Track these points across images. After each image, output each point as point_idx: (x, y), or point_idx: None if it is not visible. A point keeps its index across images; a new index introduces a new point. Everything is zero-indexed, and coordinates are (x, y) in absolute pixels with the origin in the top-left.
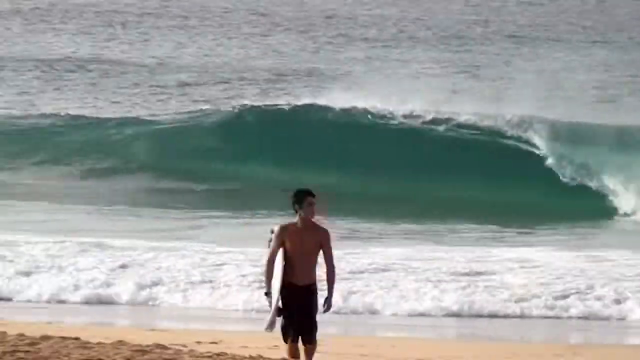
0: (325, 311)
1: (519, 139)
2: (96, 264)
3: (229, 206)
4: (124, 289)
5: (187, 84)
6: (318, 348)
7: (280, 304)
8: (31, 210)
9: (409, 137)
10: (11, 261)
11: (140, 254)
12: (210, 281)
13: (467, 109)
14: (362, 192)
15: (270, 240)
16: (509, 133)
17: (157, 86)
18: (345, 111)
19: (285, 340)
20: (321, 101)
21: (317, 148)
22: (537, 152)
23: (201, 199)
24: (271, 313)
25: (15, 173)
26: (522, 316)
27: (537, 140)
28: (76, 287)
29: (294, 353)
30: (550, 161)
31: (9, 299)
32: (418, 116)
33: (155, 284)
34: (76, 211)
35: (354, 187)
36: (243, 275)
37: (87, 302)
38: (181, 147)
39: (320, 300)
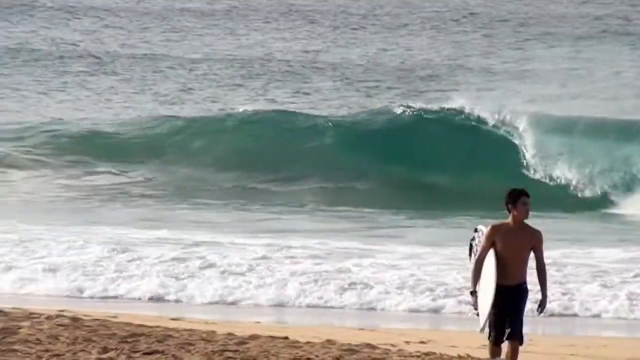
0: (539, 313)
1: None
2: (307, 268)
3: (425, 206)
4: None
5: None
6: (527, 347)
7: (490, 305)
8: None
9: None
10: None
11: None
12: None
13: None
14: None
15: (472, 239)
16: None
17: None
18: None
19: (491, 339)
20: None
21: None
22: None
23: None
24: (483, 314)
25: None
26: None
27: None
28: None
29: (495, 353)
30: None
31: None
32: None
33: (367, 286)
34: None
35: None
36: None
37: (309, 305)
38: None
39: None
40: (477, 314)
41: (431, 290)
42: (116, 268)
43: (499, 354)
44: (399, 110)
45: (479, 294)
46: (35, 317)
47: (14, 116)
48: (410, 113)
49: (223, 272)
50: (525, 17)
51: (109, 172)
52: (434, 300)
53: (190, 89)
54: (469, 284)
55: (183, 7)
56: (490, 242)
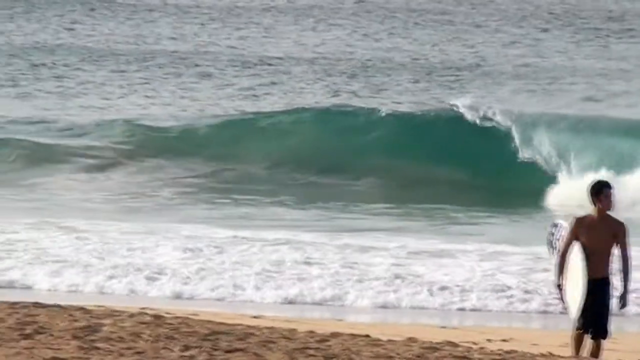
0: (621, 308)
1: None
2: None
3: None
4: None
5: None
6: (612, 345)
7: (582, 299)
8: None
9: None
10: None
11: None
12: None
13: None
14: None
15: (551, 234)
16: None
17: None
18: None
19: (578, 326)
20: None
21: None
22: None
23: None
24: (573, 306)
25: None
26: None
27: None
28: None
29: (579, 340)
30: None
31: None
32: None
33: (443, 287)
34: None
35: None
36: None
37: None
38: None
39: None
40: (565, 308)
41: (512, 288)
42: (226, 268)
43: (581, 342)
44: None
45: (567, 287)
46: (117, 315)
47: (98, 113)
48: (469, 112)
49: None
50: None
51: (189, 169)
52: (516, 298)
53: (272, 83)
54: (554, 280)
55: (264, 5)
56: (574, 235)
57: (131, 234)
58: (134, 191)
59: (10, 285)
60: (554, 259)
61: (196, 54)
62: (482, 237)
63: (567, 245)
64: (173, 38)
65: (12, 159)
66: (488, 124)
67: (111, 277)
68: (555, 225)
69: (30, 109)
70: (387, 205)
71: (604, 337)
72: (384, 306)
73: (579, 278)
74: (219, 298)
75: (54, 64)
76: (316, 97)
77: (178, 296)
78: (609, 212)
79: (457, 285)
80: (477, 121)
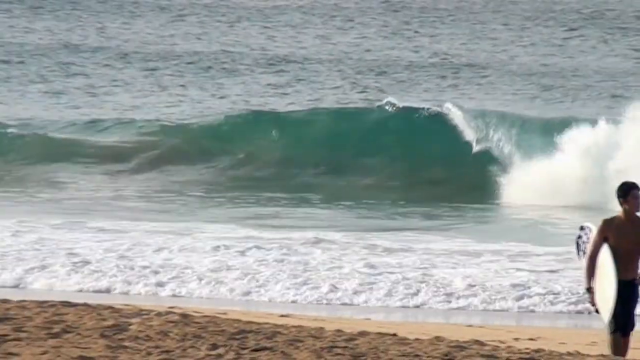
0: None
1: None
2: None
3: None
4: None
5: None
6: (636, 344)
7: (614, 301)
8: None
9: None
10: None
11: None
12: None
13: None
14: None
15: (579, 237)
16: None
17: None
18: None
19: (614, 330)
20: None
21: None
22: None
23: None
24: (605, 309)
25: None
26: None
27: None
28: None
29: (618, 345)
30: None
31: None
32: None
33: (470, 286)
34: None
35: None
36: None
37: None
38: None
39: None
40: (597, 310)
41: (540, 287)
42: (290, 273)
43: (626, 346)
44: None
45: (597, 290)
46: (145, 314)
47: (131, 112)
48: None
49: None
50: None
51: (214, 168)
52: (543, 297)
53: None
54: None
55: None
56: (602, 237)
57: (160, 233)
58: (163, 189)
59: (47, 288)
60: (583, 262)
61: (222, 53)
62: (506, 237)
63: (596, 248)
64: (199, 37)
65: (41, 156)
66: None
67: (140, 277)
68: (583, 229)
69: (61, 107)
70: (408, 205)
71: (628, 337)
72: (411, 305)
73: (609, 280)
74: (246, 297)
75: (82, 63)
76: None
77: (207, 296)
78: (637, 214)
79: (484, 285)
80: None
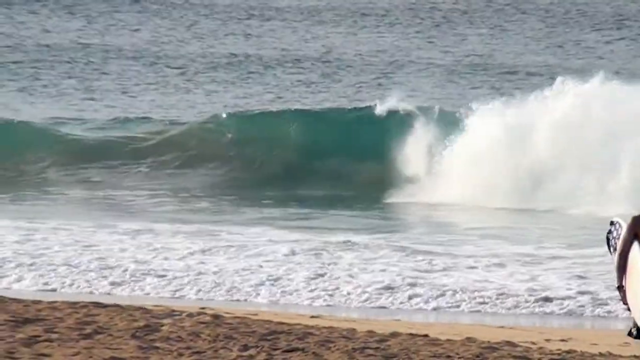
0: None
1: None
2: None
3: None
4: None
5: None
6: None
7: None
8: None
9: None
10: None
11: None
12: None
13: None
14: None
15: (609, 232)
16: None
17: None
18: None
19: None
20: None
21: None
22: None
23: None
24: (635, 310)
25: None
26: None
27: None
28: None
29: None
30: None
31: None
32: None
33: (501, 287)
34: None
35: None
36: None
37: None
38: None
39: None
40: (628, 309)
41: (570, 288)
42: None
43: None
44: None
45: (629, 288)
46: (177, 315)
47: (165, 112)
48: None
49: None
50: None
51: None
52: (573, 298)
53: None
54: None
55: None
56: (633, 234)
57: (189, 235)
58: (193, 191)
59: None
60: (614, 259)
61: (246, 54)
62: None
63: (626, 246)
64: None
65: (72, 158)
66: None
67: (171, 279)
68: (613, 224)
69: (97, 107)
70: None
71: None
72: (441, 307)
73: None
74: (275, 298)
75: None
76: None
77: (238, 298)
78: None
79: (513, 286)
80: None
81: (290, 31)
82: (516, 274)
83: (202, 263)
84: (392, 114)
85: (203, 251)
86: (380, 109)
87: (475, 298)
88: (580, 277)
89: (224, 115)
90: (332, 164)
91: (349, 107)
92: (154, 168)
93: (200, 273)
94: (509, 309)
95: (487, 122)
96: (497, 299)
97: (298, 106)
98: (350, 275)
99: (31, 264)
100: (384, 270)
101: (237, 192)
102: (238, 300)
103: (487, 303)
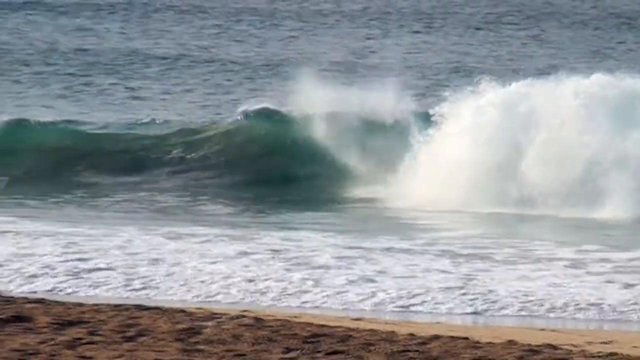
0: None
1: None
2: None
3: None
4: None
5: None
6: None
7: None
8: None
9: None
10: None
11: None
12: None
13: None
14: None
15: None
16: None
17: None
18: None
19: None
20: None
21: None
22: None
23: None
24: None
25: None
26: None
27: None
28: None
29: None
30: None
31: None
32: None
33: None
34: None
35: None
36: None
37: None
38: None
39: None
40: None
41: (608, 290)
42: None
43: None
44: None
45: None
46: (218, 317)
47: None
48: None
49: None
50: None
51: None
52: (613, 299)
53: None
54: None
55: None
56: None
57: (229, 238)
58: (236, 194)
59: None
60: None
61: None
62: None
63: None
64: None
65: (112, 163)
66: None
67: (211, 282)
68: None
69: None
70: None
71: None
72: (482, 310)
73: None
74: (316, 301)
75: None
76: None
77: (279, 300)
78: None
79: (555, 289)
80: None
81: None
82: (558, 276)
83: (246, 266)
84: None
85: (244, 254)
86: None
87: (516, 301)
88: (622, 280)
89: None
90: None
91: None
92: (195, 169)
93: (240, 276)
94: (550, 311)
95: None
96: (538, 301)
97: None
98: (390, 278)
99: (72, 269)
100: (424, 274)
101: (278, 194)
102: (279, 302)
103: (528, 306)
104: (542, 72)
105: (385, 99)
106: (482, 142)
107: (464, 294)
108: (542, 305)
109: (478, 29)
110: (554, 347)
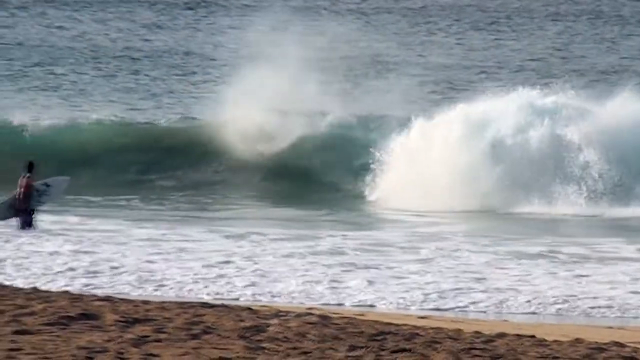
0: None
1: None
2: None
3: None
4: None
5: None
6: None
7: None
8: None
9: None
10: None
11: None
12: None
13: None
14: None
15: None
16: None
17: None
18: None
19: None
20: None
21: None
22: None
23: None
24: None
25: None
26: None
27: None
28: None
29: None
30: None
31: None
32: None
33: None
34: None
35: None
36: None
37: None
38: None
39: None
40: None
41: None
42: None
43: None
44: None
45: None
46: (284, 315)
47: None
48: None
49: None
50: None
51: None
52: None
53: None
54: None
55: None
56: None
57: (285, 239)
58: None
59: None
60: None
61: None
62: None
63: None
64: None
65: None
66: None
67: (270, 281)
68: None
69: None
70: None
71: None
72: (547, 309)
73: None
74: (382, 298)
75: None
76: None
77: (344, 298)
78: None
79: (622, 287)
80: None
81: None
82: (618, 274)
83: (311, 263)
84: None
85: (310, 254)
86: None
87: (582, 300)
88: None
89: None
90: None
91: None
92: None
93: (304, 275)
94: (617, 309)
95: None
96: (605, 302)
97: None
98: (458, 280)
99: (137, 269)
100: (493, 274)
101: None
102: (344, 300)
103: (594, 305)
104: None
105: None
106: None
107: (527, 292)
108: (610, 306)
109: None
110: (621, 345)
